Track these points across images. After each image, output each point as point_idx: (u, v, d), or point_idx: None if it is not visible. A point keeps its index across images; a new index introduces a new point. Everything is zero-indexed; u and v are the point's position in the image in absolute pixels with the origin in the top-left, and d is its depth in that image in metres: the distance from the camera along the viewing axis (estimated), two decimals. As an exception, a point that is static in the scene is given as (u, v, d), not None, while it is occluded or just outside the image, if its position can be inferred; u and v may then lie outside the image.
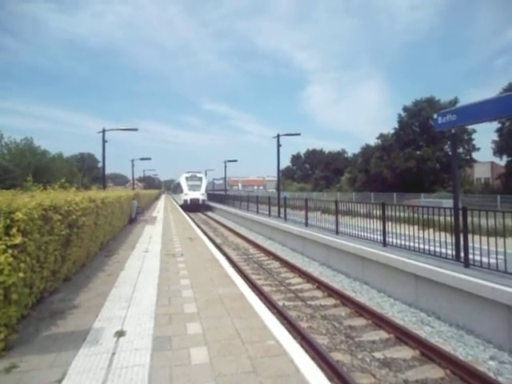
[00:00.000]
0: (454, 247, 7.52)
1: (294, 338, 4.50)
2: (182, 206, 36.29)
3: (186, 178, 40.15)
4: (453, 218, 7.56)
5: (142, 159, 38.90)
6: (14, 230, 3.89)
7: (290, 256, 13.12)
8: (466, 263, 6.97)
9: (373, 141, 58.34)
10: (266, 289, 8.78)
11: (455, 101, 44.14)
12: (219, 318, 4.77)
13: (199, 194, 38.46)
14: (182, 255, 9.37)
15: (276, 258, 12.68)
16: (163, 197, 71.72)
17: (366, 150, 57.70)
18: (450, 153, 39.26)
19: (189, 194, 38.02)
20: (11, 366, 3.47)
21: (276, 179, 25.58)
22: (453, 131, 8.19)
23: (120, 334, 4.26)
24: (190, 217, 23.51)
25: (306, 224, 14.55)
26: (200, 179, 40.75)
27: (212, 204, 40.16)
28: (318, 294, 8.54)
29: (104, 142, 19.03)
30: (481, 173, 52.56)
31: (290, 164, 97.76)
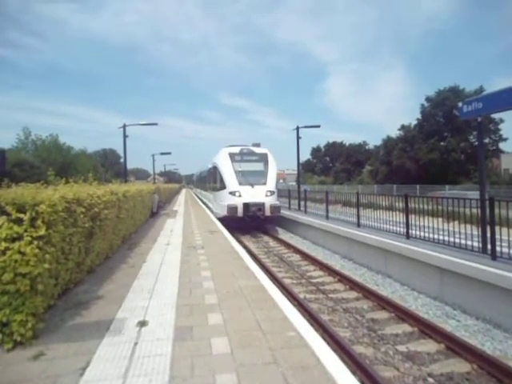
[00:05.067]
0: (480, 239, 7.28)
1: (316, 330, 4.46)
2: (221, 220, 16.01)
3: (232, 157, 18.05)
4: (479, 209, 7.32)
5: (162, 154, 39.21)
6: (38, 222, 3.97)
7: (310, 249, 13.04)
8: (494, 256, 6.74)
9: (394, 132, 57.21)
10: (287, 281, 8.75)
11: (480, 90, 42.58)
12: (240, 309, 4.77)
13: (264, 193, 16.75)
14: (203, 248, 9.43)
15: (296, 250, 12.62)
16: (183, 191, 72.62)
17: (388, 142, 56.49)
18: (475, 143, 38.10)
19: (240, 193, 16.59)
20: (39, 354, 3.57)
21: (296, 172, 25.20)
22: (479, 120, 7.89)
23: (142, 324, 4.31)
24: (210, 210, 23.46)
25: (327, 217, 14.41)
26: (264, 158, 18.46)
27: None
28: (340, 287, 8.45)
29: (125, 136, 19.38)
30: (508, 163, 50.58)
31: (310, 157, 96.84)
